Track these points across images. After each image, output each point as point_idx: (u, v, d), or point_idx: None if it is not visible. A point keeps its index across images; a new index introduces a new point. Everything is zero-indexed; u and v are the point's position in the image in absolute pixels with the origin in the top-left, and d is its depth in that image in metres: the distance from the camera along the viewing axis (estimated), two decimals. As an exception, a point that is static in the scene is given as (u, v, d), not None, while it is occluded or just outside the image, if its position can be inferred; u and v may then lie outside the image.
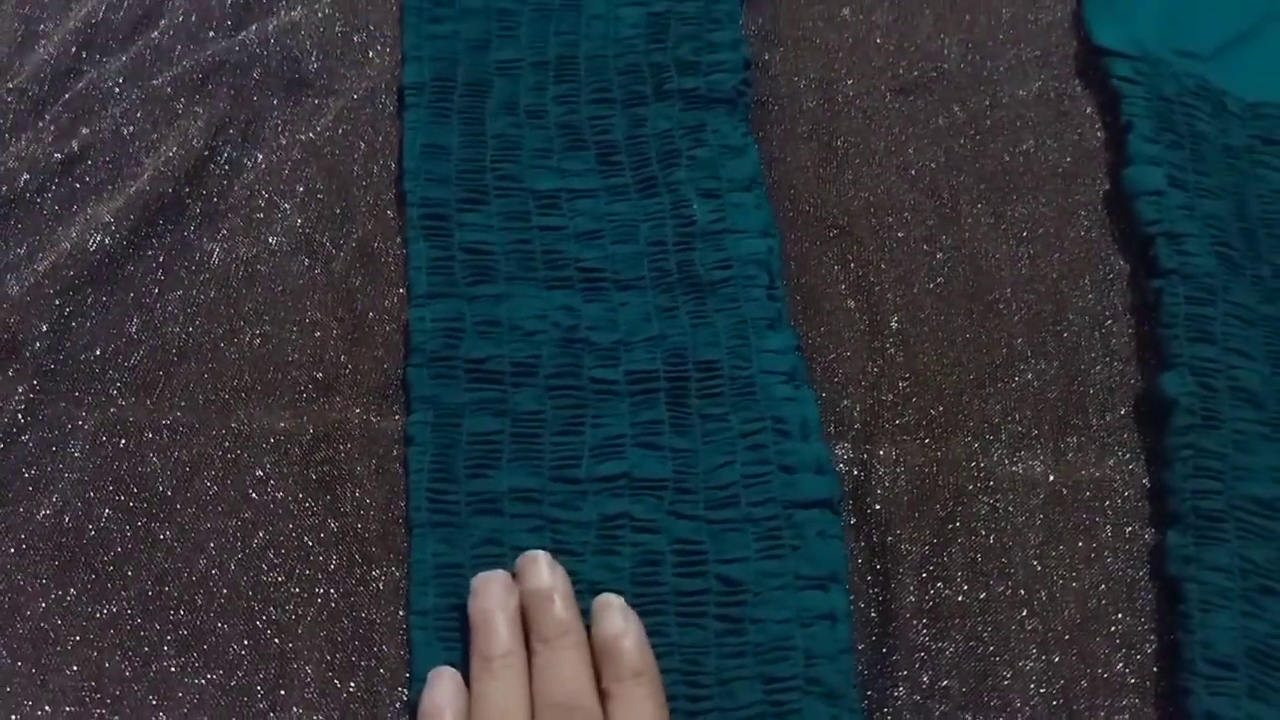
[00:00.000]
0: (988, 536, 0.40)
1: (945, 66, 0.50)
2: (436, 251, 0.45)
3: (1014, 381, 0.43)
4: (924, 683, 0.37)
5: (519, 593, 0.37)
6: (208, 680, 0.37)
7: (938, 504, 0.40)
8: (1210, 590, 0.36)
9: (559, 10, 0.50)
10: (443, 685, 0.35)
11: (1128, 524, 0.40)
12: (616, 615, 0.36)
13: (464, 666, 0.36)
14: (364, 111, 0.49)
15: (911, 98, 0.49)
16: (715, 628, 0.37)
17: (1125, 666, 0.37)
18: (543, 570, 0.37)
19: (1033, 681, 0.37)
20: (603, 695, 0.35)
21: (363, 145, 0.48)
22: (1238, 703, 0.35)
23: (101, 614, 0.38)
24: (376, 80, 0.50)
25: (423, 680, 0.36)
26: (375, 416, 0.42)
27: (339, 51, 0.50)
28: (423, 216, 0.46)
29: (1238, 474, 0.38)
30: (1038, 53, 0.51)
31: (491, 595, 0.36)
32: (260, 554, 0.39)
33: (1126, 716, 0.37)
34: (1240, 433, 0.39)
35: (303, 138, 0.48)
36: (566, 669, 0.35)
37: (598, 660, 0.35)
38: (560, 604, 0.36)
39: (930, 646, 0.38)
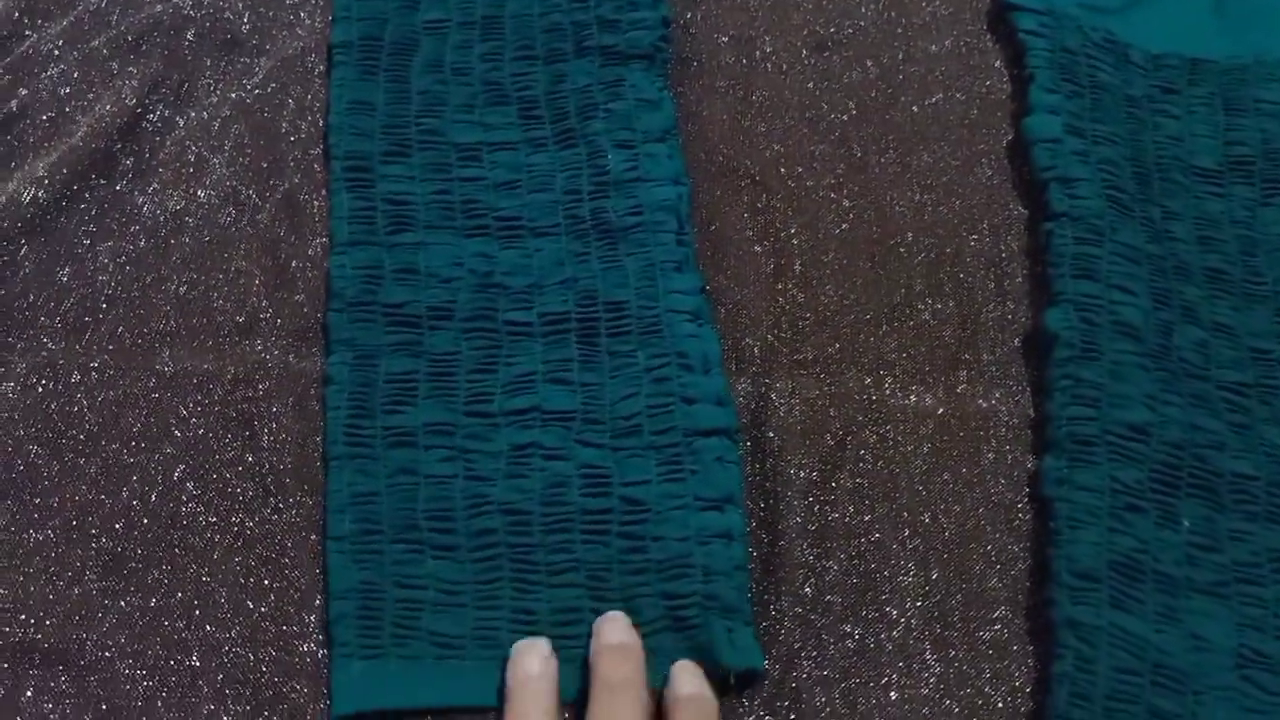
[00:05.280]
0: (875, 463, 0.42)
1: (861, 23, 0.52)
2: (358, 202, 0.47)
3: (910, 321, 0.45)
4: (807, 596, 0.39)
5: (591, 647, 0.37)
6: (126, 603, 0.40)
7: (828, 433, 0.42)
8: (1079, 509, 0.39)
9: (488, -29, 0.52)
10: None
11: (1010, 451, 0.42)
12: (689, 681, 0.36)
13: (380, 586, 0.39)
14: (294, 70, 0.51)
15: (827, 54, 0.51)
16: (619, 545, 0.39)
17: (999, 581, 0.39)
18: (617, 631, 0.37)
19: (909, 596, 0.39)
20: None
21: (291, 103, 0.50)
22: (1099, 612, 0.37)
23: (28, 542, 0.41)
24: (307, 40, 0.51)
25: (341, 598, 0.39)
26: (294, 358, 0.44)
27: (271, 12, 0.52)
28: (346, 169, 0.47)
29: (1113, 401, 0.41)
30: (950, 10, 0.52)
31: (523, 670, 0.36)
32: (180, 486, 0.41)
33: (998, 627, 0.39)
34: (1117, 363, 0.41)
35: (233, 96, 0.50)
36: None
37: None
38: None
39: (814, 564, 0.40)
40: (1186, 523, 0.38)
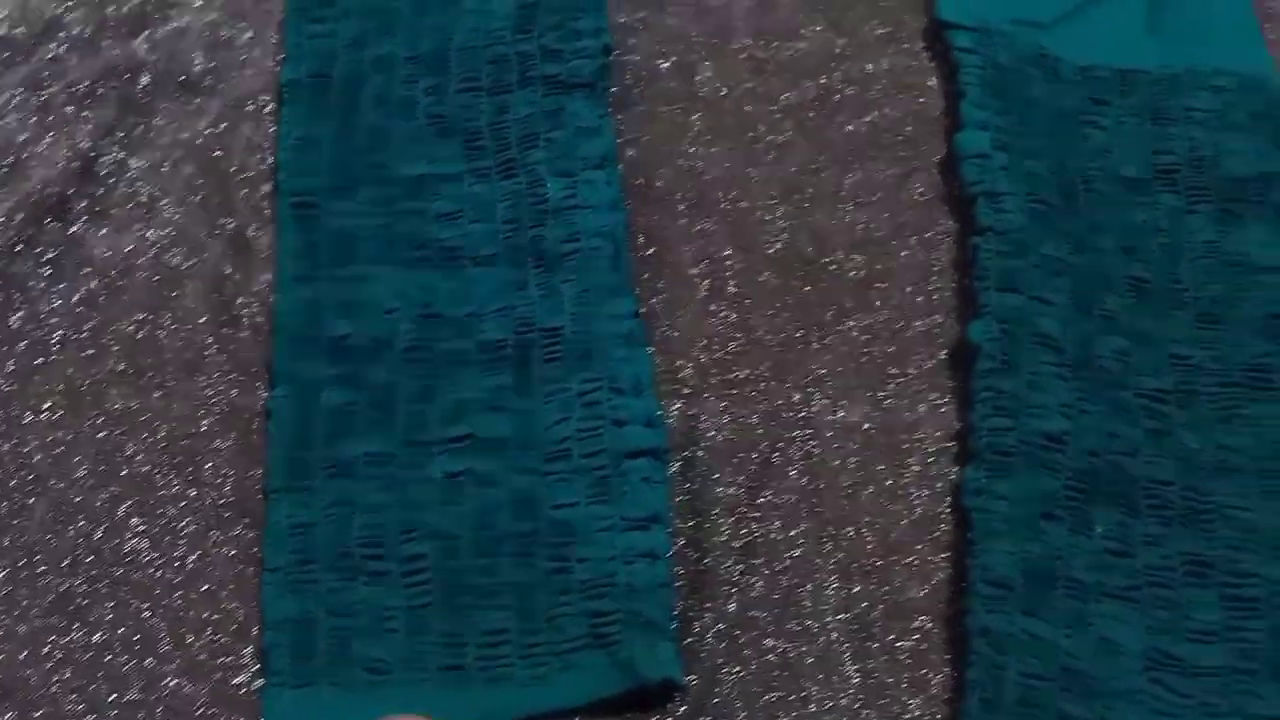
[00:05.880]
0: (800, 479, 0.43)
1: (800, 45, 0.54)
2: (304, 237, 0.48)
3: (840, 338, 0.46)
4: (730, 612, 0.41)
5: None
6: (71, 639, 0.41)
7: (755, 452, 0.44)
8: (995, 518, 0.40)
9: (436, 6, 0.53)
10: None
11: (934, 463, 0.43)
12: None
13: (314, 615, 0.40)
14: (245, 110, 0.52)
15: (767, 75, 0.53)
16: (545, 566, 0.41)
17: (919, 592, 0.41)
18: None
19: (832, 609, 0.41)
20: None
21: (242, 141, 0.52)
22: (1012, 619, 0.38)
23: (-23, 581, 0.42)
24: (258, 79, 0.53)
25: (274, 628, 0.40)
26: (238, 393, 0.46)
27: (224, 54, 0.54)
28: (292, 205, 0.49)
29: (1030, 411, 0.42)
30: (889, 29, 0.54)
31: None
32: (125, 523, 0.43)
33: (917, 637, 0.40)
34: (1036, 374, 0.42)
35: (185, 137, 0.52)
36: None
37: None
38: None
39: (739, 580, 0.41)
40: (1099, 529, 0.40)
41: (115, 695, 0.40)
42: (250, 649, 0.41)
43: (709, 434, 0.44)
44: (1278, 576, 0.39)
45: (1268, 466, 0.41)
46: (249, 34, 0.55)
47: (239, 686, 0.40)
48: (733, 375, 0.45)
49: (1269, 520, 0.40)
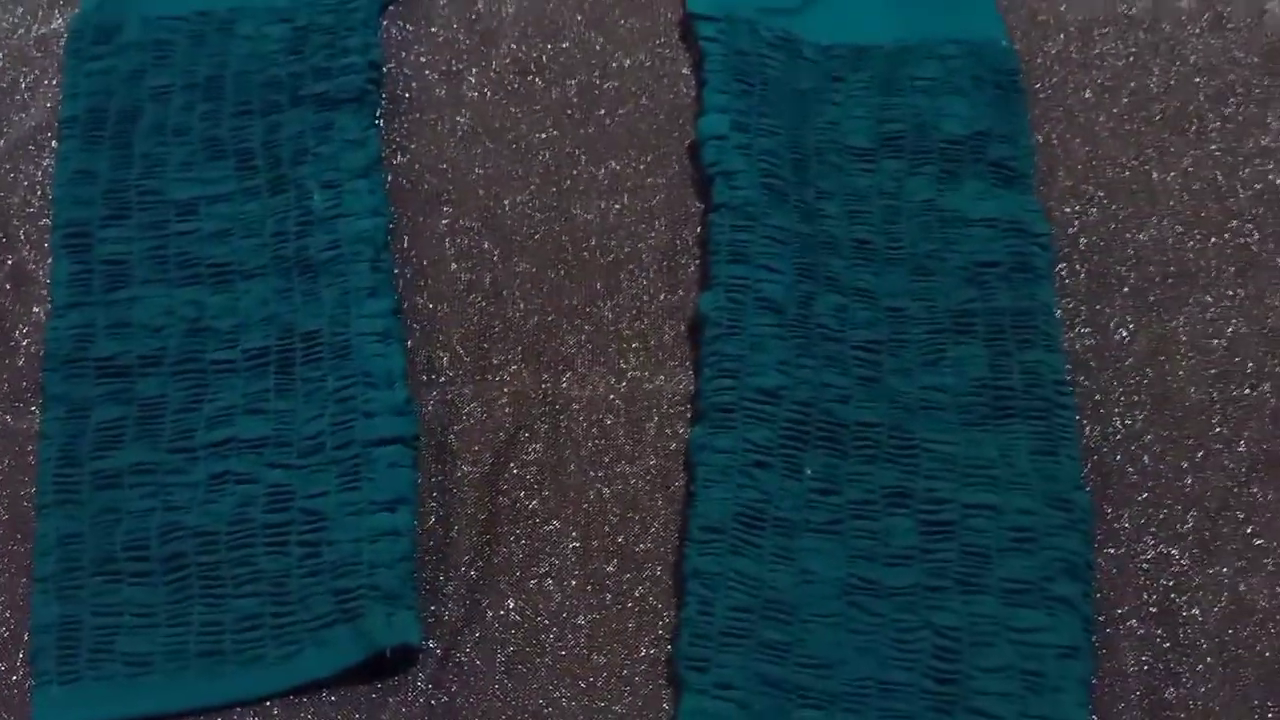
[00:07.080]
0: (545, 452, 0.47)
1: (564, 45, 0.57)
2: (77, 266, 0.52)
3: (590, 319, 0.50)
4: (472, 578, 0.45)
5: None
6: None
7: (502, 431, 0.48)
8: (713, 470, 0.44)
9: (213, 35, 0.57)
10: None
11: (669, 426, 0.47)
12: None
13: (79, 618, 0.44)
14: (26, 149, 0.56)
15: (530, 77, 0.57)
16: (297, 553, 0.44)
17: (650, 545, 0.45)
18: None
19: (569, 567, 0.45)
20: None
21: (24, 180, 0.55)
22: (721, 560, 0.42)
23: None
24: (40, 119, 0.56)
25: (41, 632, 0.43)
26: (12, 419, 0.49)
27: (8, 99, 0.57)
28: (66, 236, 0.52)
29: (750, 370, 0.46)
30: (647, 24, 0.58)
31: None
32: (-95, 546, 0.46)
33: (646, 586, 0.44)
34: (758, 336, 0.47)
35: (-32, 181, 0.55)
36: None
37: None
38: None
39: (482, 549, 0.45)
40: (809, 471, 0.44)
41: (-110, 707, 0.43)
42: (22, 654, 0.44)
43: (460, 418, 0.48)
44: (969, 500, 0.43)
45: (966, 402, 0.45)
46: (31, 76, 0.58)
47: (12, 687, 0.43)
48: (485, 362, 0.49)
49: (965, 450, 0.44)
